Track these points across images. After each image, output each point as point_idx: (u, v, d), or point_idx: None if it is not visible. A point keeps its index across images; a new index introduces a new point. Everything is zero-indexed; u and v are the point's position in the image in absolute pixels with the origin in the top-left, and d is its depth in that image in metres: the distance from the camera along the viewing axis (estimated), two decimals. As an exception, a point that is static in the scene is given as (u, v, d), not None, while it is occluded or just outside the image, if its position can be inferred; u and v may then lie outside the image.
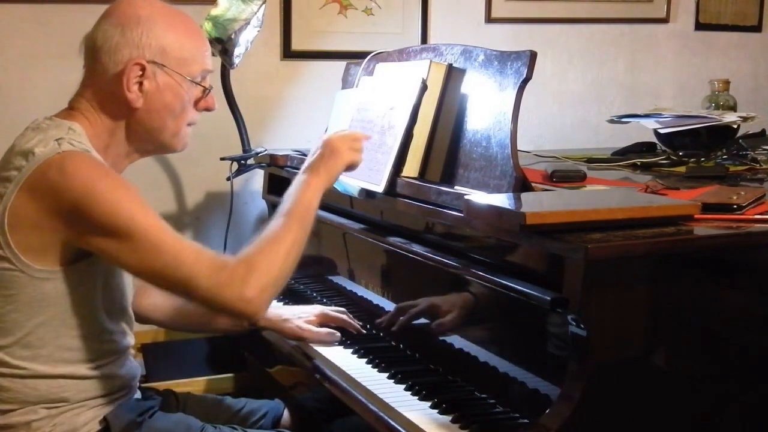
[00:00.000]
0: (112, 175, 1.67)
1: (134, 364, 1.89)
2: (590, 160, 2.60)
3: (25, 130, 1.76)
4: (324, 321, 2.15)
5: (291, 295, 2.51)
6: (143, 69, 1.73)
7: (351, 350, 2.01)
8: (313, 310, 2.18)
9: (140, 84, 1.74)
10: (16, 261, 1.66)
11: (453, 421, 1.61)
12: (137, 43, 1.73)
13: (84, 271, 1.70)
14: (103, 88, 1.76)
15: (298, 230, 1.76)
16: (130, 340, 1.86)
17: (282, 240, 1.73)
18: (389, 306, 2.11)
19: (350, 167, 1.93)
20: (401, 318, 2.03)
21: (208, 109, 1.86)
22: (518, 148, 1.76)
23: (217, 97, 2.76)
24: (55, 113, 1.79)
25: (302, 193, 1.83)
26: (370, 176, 2.00)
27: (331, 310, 2.19)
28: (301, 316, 2.15)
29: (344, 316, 2.17)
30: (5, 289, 1.68)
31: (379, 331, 2.11)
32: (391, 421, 1.68)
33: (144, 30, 1.74)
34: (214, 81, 2.72)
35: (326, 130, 2.57)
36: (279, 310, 2.20)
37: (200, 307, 1.71)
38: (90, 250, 1.66)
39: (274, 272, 1.68)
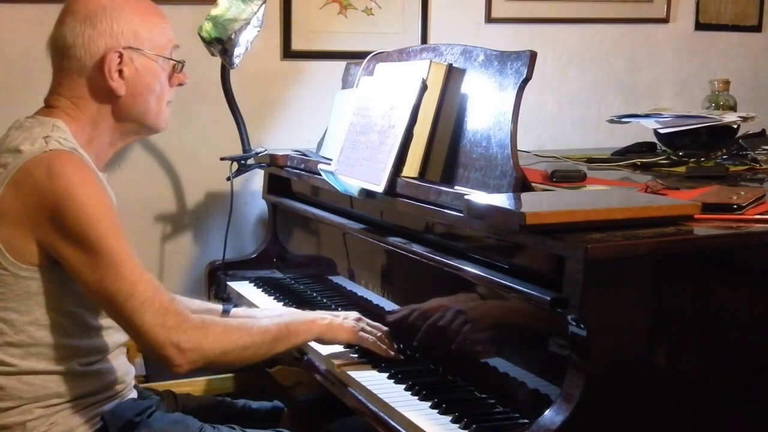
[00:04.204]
0: (96, 185, 1.68)
1: (127, 362, 1.90)
2: (590, 160, 2.60)
3: (8, 130, 1.77)
4: None
5: (290, 294, 2.51)
6: (121, 56, 1.77)
7: (351, 350, 2.01)
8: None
9: (120, 72, 1.77)
10: (1, 258, 1.67)
11: (453, 421, 1.61)
12: (109, 32, 1.76)
13: (63, 270, 1.69)
14: (82, 83, 1.78)
15: (267, 345, 1.79)
16: (122, 336, 1.85)
17: (251, 335, 1.76)
18: (389, 306, 2.11)
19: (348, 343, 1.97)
20: (401, 318, 2.03)
21: (181, 84, 1.90)
22: (518, 148, 1.76)
23: (217, 97, 2.80)
24: (35, 112, 1.81)
25: (300, 325, 1.88)
26: (370, 176, 2.00)
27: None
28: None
29: None
30: None
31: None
32: (391, 421, 1.68)
33: (112, 18, 1.77)
34: (215, 81, 2.75)
35: (326, 130, 2.57)
36: (250, 313, 2.19)
37: (136, 343, 1.70)
38: (55, 257, 1.66)
39: (219, 348, 1.70)
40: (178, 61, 1.87)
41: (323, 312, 2.00)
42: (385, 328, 1.99)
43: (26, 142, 1.69)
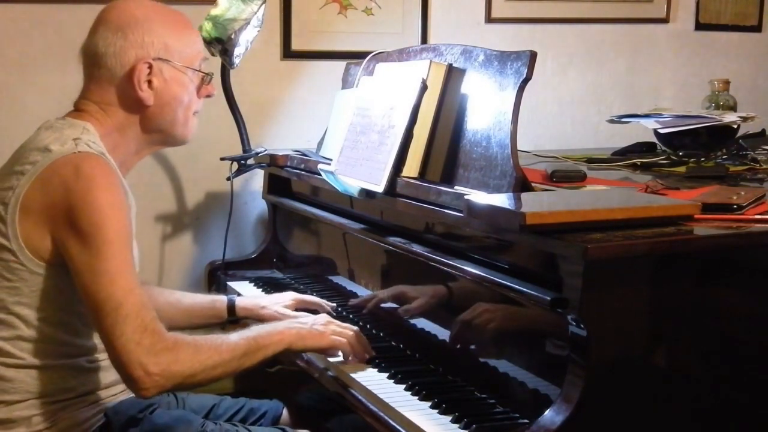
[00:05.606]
0: (117, 191, 1.70)
1: None
2: (590, 160, 2.60)
3: (37, 130, 1.80)
4: (299, 306, 2.22)
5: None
6: (150, 67, 1.79)
7: (351, 350, 2.01)
8: (288, 296, 2.26)
9: (149, 82, 1.80)
10: (20, 254, 1.69)
11: (453, 421, 1.61)
12: (140, 43, 1.79)
13: None
14: (111, 91, 1.81)
15: (236, 361, 1.76)
16: None
17: (220, 354, 1.72)
18: (389, 306, 2.11)
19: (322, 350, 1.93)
20: (401, 318, 2.03)
21: (209, 95, 1.93)
22: (518, 148, 1.76)
23: (217, 97, 2.79)
24: (65, 114, 1.83)
25: (268, 337, 1.83)
26: (370, 176, 2.00)
27: (305, 296, 2.27)
28: (278, 302, 2.22)
29: (317, 299, 2.25)
30: (10, 281, 1.71)
31: (379, 331, 2.11)
32: (391, 421, 1.68)
33: (144, 30, 1.80)
34: (215, 81, 2.74)
35: (326, 130, 2.57)
36: (257, 299, 2.29)
37: (108, 354, 1.66)
38: (63, 254, 1.66)
39: (187, 371, 1.67)
40: (207, 74, 1.90)
41: (290, 321, 1.96)
42: (355, 328, 1.95)
43: (56, 142, 1.71)
